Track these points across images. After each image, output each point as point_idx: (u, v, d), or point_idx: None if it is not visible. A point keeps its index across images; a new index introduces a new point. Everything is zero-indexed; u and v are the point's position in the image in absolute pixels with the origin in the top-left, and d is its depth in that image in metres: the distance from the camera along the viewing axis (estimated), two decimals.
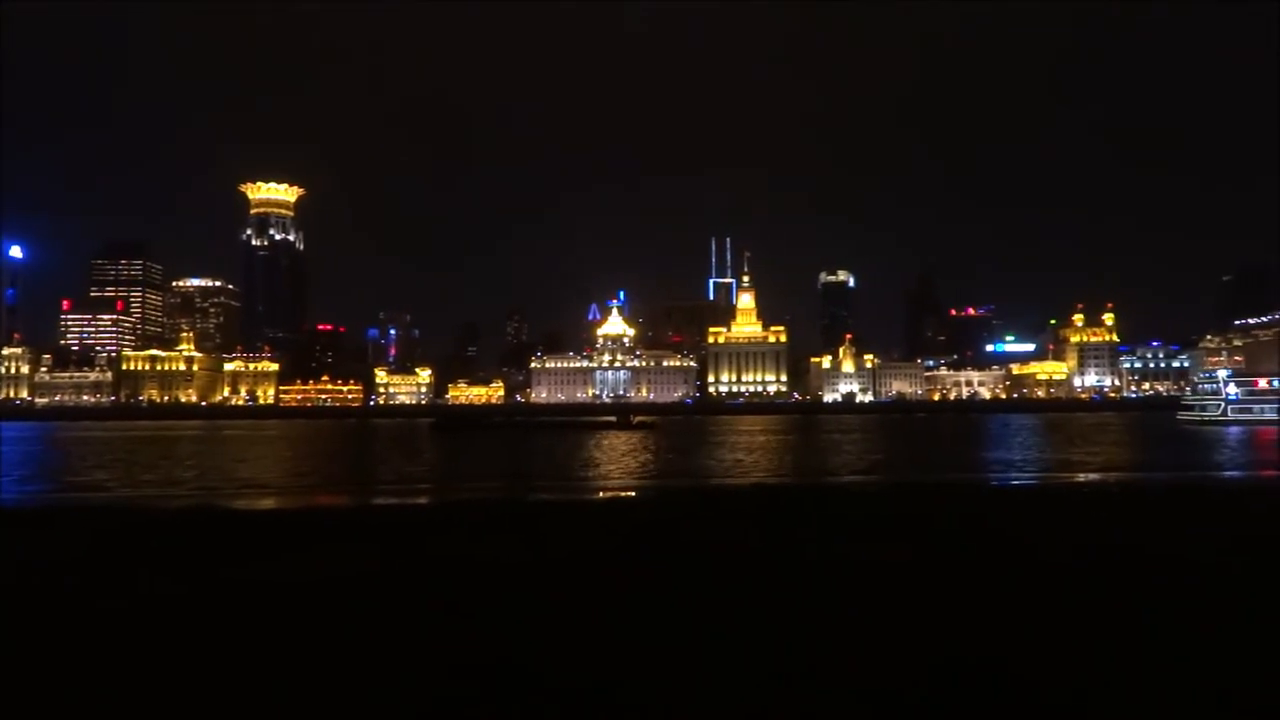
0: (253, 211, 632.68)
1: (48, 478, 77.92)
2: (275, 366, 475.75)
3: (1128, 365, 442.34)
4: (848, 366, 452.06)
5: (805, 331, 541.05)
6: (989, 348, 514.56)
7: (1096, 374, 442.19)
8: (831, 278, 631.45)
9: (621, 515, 32.56)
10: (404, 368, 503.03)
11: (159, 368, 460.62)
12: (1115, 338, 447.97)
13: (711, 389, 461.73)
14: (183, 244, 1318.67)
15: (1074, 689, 10.46)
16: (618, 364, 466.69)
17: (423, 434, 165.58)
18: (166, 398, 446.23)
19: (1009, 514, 28.14)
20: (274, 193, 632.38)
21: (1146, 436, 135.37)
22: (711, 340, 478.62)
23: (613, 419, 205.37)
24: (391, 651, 12.03)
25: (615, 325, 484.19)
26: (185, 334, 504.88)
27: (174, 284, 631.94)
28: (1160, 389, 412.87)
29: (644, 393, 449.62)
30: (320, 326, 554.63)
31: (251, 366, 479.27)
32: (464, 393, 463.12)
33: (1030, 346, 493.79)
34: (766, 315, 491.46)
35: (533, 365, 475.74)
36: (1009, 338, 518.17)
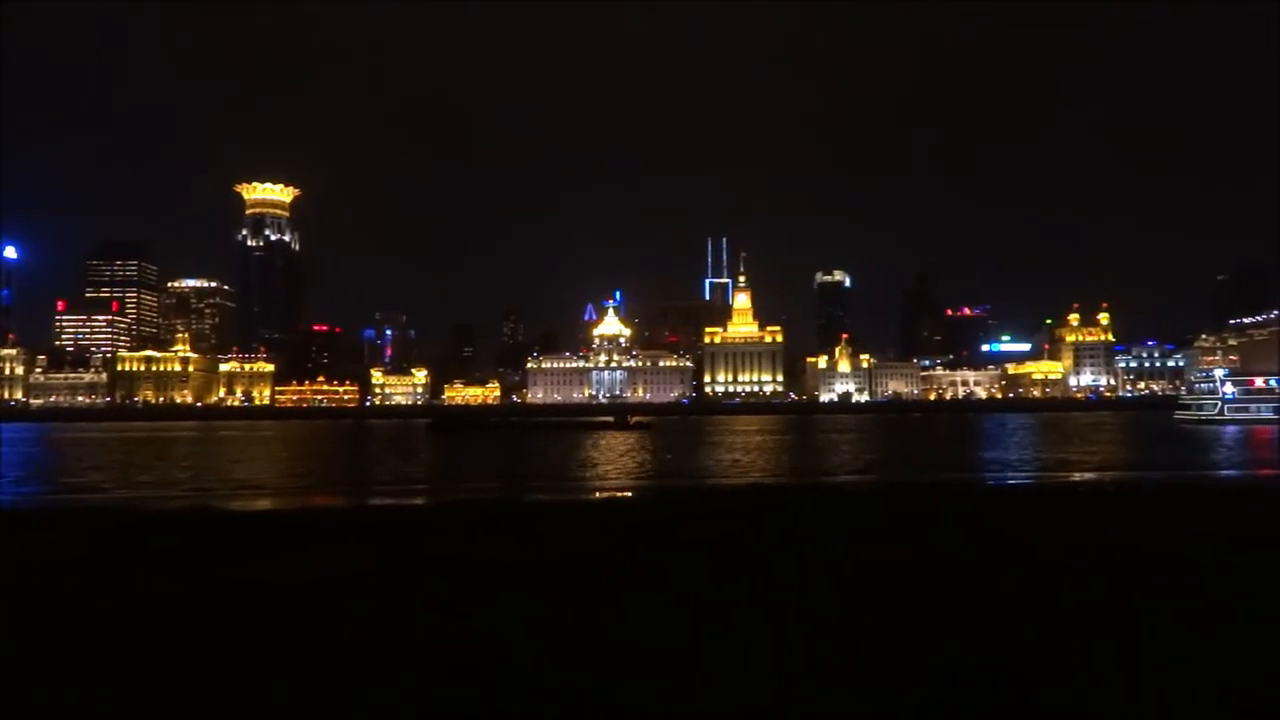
0: (248, 212, 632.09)
1: (43, 479, 77.68)
2: (271, 367, 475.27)
3: (1123, 365, 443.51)
4: (844, 366, 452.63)
5: (801, 331, 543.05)
6: (985, 348, 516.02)
7: (1092, 373, 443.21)
8: (827, 278, 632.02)
9: (618, 515, 32.55)
10: (400, 368, 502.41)
11: (154, 369, 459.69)
12: (1111, 337, 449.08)
13: (708, 389, 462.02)
14: (182, 244, 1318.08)
15: (1073, 689, 10.45)
16: (614, 364, 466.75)
17: (419, 435, 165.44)
18: (162, 399, 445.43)
19: (1006, 514, 28.14)
20: (269, 193, 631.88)
21: (1142, 436, 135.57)
22: (708, 340, 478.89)
23: (610, 419, 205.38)
24: (389, 651, 12.00)
25: (611, 325, 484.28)
26: (181, 335, 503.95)
27: (169, 284, 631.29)
28: (1155, 388, 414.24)
29: (640, 393, 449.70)
30: (316, 327, 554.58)
31: (247, 367, 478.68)
32: (460, 393, 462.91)
33: (1026, 346, 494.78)
34: (763, 315, 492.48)
35: (529, 365, 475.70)
36: (1005, 337, 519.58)
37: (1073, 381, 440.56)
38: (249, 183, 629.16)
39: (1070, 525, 24.82)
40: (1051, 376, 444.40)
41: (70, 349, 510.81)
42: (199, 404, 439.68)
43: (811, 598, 15.00)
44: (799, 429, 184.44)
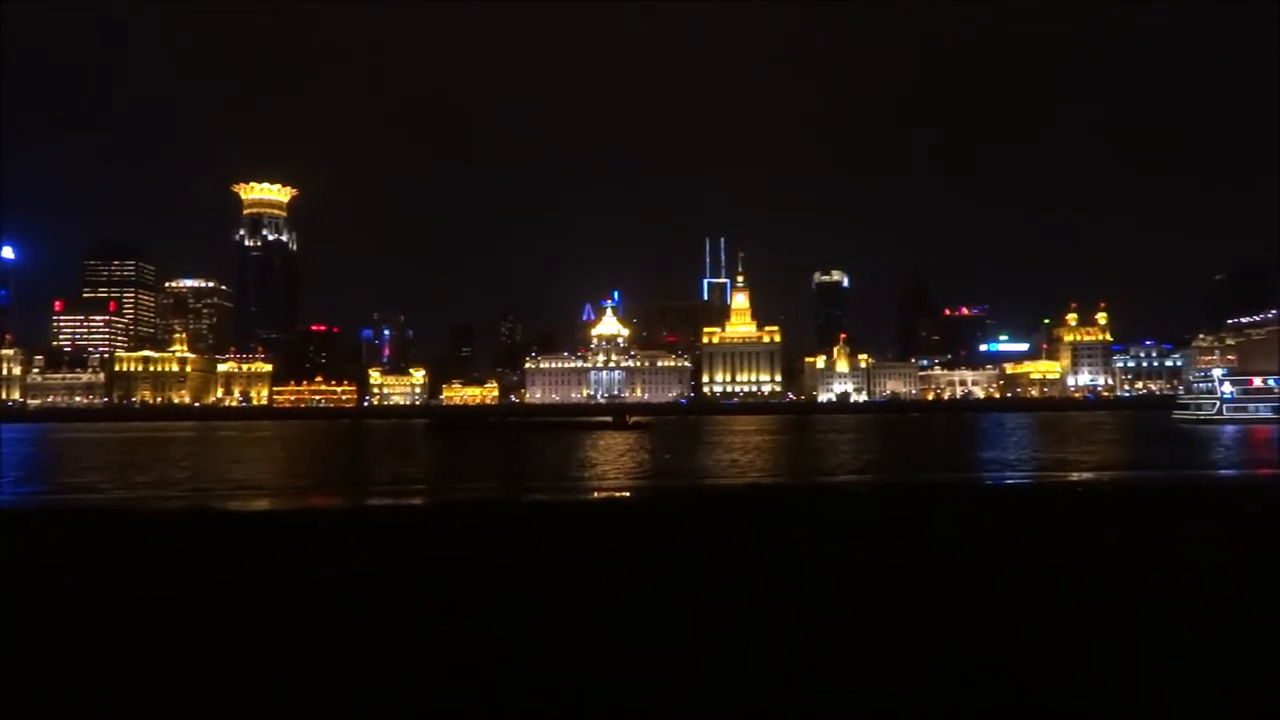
0: (245, 212, 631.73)
1: (42, 480, 77.63)
2: (269, 367, 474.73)
3: (1121, 364, 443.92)
4: (842, 366, 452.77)
5: (800, 331, 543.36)
6: (983, 347, 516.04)
7: (1090, 373, 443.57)
8: (826, 278, 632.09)
9: (617, 515, 32.60)
10: (398, 368, 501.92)
11: (152, 369, 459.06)
12: (1109, 337, 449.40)
13: (706, 389, 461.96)
14: (182, 244, 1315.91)
15: (1072, 688, 10.47)
16: (612, 364, 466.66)
17: (418, 435, 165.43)
18: (159, 399, 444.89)
19: (1005, 513, 28.20)
20: (267, 193, 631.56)
21: (1140, 435, 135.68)
22: (706, 340, 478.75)
23: (608, 419, 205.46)
24: (390, 651, 12.02)
25: (609, 325, 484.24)
26: (178, 335, 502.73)
27: (167, 285, 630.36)
28: (1153, 388, 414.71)
29: (638, 393, 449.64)
30: (314, 327, 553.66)
31: (245, 367, 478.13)
32: (458, 393, 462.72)
33: (1024, 346, 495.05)
34: (761, 315, 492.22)
35: (527, 366, 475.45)
36: (1003, 337, 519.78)
37: (1070, 381, 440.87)
38: (246, 183, 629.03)
39: (1068, 525, 24.87)
40: (1049, 376, 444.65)
41: (67, 349, 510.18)
42: (196, 404, 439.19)
43: (810, 598, 15.02)
44: (797, 429, 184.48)
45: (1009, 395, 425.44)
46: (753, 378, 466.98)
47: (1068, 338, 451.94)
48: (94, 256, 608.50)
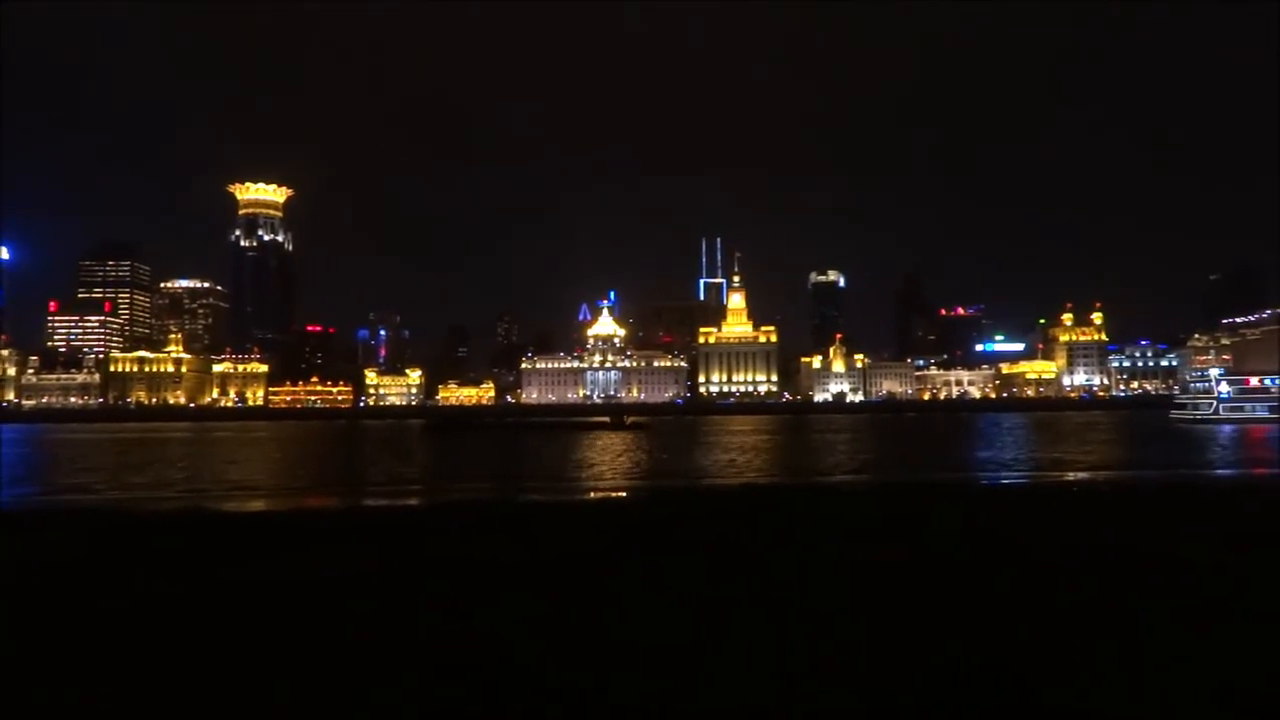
0: (241, 212, 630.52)
1: (38, 480, 77.48)
2: (264, 368, 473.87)
3: (1116, 364, 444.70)
4: (838, 366, 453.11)
5: (796, 331, 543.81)
6: (978, 347, 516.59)
7: (1085, 373, 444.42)
8: (822, 278, 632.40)
9: (613, 516, 32.65)
10: (394, 369, 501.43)
11: (147, 369, 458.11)
12: (1104, 337, 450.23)
13: (702, 389, 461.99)
14: (182, 244, 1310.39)
15: (1070, 688, 10.51)
16: (608, 364, 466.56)
17: (414, 435, 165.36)
18: (155, 400, 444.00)
19: (1001, 513, 28.26)
20: (262, 193, 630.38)
21: (1137, 435, 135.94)
22: (702, 340, 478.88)
23: (605, 419, 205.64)
24: (393, 650, 12.06)
25: (605, 325, 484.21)
26: (173, 335, 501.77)
27: (162, 285, 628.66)
28: (1149, 388, 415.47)
29: (635, 393, 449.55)
30: (310, 327, 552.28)
31: (240, 368, 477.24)
32: (454, 394, 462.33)
33: (1020, 346, 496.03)
34: (757, 315, 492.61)
35: (523, 366, 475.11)
36: (998, 337, 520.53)
37: (1066, 381, 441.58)
38: (241, 183, 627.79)
39: (1065, 525, 24.93)
40: (1045, 376, 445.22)
41: (63, 350, 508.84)
42: (192, 405, 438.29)
43: (807, 598, 15.06)
44: (793, 429, 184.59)
45: (1005, 395, 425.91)
46: (749, 378, 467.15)
47: (1063, 338, 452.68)
48: (89, 257, 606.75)
